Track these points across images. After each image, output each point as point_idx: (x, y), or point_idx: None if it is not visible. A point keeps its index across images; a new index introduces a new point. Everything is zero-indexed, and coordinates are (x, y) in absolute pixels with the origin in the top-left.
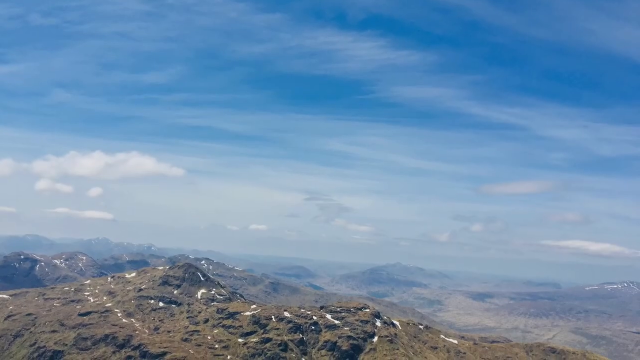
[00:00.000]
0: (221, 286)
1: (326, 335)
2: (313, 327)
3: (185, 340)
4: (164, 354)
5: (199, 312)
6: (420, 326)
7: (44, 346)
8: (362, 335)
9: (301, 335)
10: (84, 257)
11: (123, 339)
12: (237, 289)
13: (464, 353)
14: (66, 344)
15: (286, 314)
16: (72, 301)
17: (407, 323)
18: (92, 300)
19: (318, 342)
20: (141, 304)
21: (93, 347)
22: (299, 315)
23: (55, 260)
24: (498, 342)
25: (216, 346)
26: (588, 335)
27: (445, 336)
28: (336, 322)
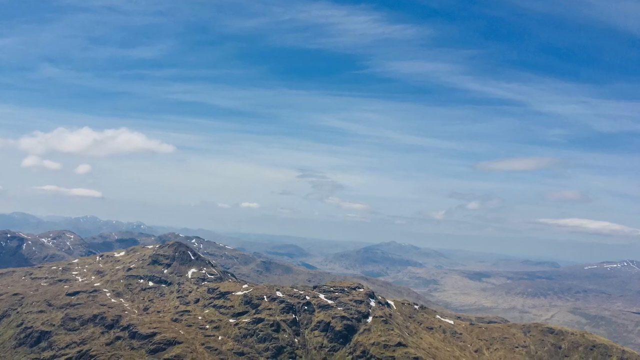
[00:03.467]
0: (212, 265)
1: (319, 316)
2: (306, 307)
3: (176, 320)
4: (154, 334)
5: (190, 292)
6: (416, 306)
7: (31, 327)
8: (356, 316)
9: (294, 316)
10: (72, 236)
11: (112, 320)
12: (228, 268)
13: (460, 334)
14: (54, 325)
15: (279, 293)
16: (60, 281)
17: (402, 303)
18: (80, 280)
19: (311, 322)
20: (130, 284)
21: (81, 327)
22: (292, 295)
23: (43, 239)
24: (495, 322)
25: (207, 327)
26: (587, 316)
27: (441, 316)
28: (330, 302)
